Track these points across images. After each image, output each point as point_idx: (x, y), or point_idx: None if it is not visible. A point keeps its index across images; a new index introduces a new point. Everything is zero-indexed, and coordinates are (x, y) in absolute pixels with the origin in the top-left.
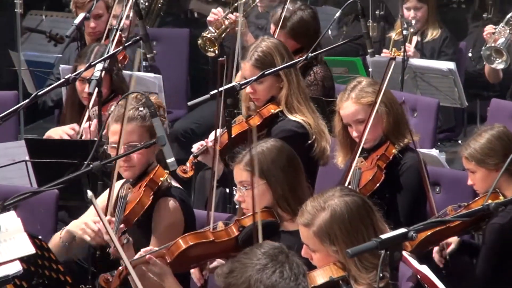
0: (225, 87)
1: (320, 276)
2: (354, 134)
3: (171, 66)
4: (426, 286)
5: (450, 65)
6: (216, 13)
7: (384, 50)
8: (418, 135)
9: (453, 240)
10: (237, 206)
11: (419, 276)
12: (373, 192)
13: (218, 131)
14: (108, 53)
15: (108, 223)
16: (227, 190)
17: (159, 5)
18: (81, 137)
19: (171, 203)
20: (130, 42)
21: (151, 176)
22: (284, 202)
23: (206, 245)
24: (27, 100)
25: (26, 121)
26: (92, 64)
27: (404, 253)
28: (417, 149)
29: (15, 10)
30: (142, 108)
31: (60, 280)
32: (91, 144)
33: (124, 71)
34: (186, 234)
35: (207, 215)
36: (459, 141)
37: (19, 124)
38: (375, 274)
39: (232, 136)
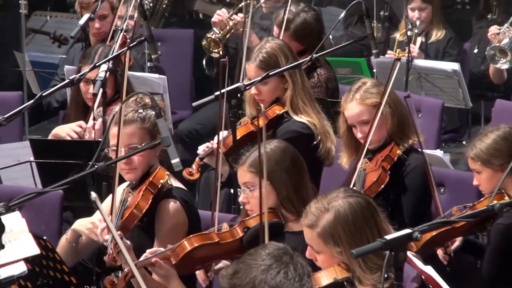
0: (229, 88)
1: (324, 277)
2: (359, 135)
3: (176, 67)
4: (431, 286)
5: (455, 66)
6: (220, 14)
7: (389, 51)
8: (423, 136)
9: (458, 238)
10: (241, 207)
11: (423, 277)
12: (377, 193)
13: (222, 132)
14: (112, 54)
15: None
16: (232, 190)
17: (164, 6)
18: (84, 136)
19: (172, 204)
20: (135, 43)
21: (150, 179)
22: (289, 203)
23: (211, 246)
24: (32, 101)
25: (31, 122)
26: (96, 65)
27: (409, 253)
28: (423, 150)
29: (20, 11)
30: (141, 110)
31: (65, 280)
32: (96, 145)
33: (128, 72)
34: (191, 235)
35: (211, 216)
36: (464, 142)
37: (24, 125)
38: (380, 275)
39: (238, 138)
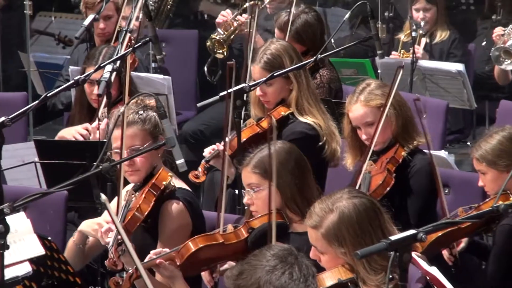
0: (234, 88)
1: (328, 278)
2: (363, 137)
3: (180, 68)
4: (435, 287)
5: (459, 66)
6: (225, 15)
7: (393, 52)
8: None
9: (463, 239)
10: (246, 208)
11: (428, 278)
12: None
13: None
14: (117, 54)
15: (110, 231)
16: (236, 191)
17: (169, 6)
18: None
19: (175, 206)
20: (140, 43)
21: (153, 181)
22: (293, 203)
23: (215, 247)
24: (37, 102)
25: (35, 123)
26: (101, 65)
27: (413, 254)
28: (430, 151)
29: (24, 11)
30: (142, 112)
31: (70, 281)
32: (100, 145)
33: (132, 72)
34: (195, 236)
35: (217, 217)
36: (468, 143)
37: (28, 126)
38: (384, 276)
39: (244, 140)
